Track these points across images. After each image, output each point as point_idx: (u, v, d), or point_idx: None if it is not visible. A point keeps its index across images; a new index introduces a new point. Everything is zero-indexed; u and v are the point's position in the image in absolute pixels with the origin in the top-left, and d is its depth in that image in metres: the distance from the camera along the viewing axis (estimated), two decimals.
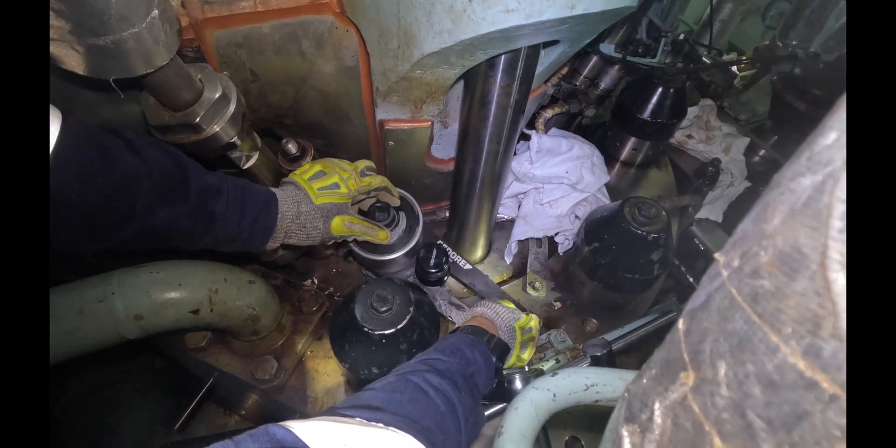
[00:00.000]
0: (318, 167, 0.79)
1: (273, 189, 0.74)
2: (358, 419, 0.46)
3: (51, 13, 0.46)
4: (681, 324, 0.22)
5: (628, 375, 0.50)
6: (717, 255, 0.21)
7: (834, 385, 0.14)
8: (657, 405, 0.21)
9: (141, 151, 0.57)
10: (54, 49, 0.50)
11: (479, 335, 0.77)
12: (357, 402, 0.53)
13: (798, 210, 0.16)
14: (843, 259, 0.14)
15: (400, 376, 0.60)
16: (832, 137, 0.15)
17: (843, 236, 0.14)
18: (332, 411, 0.49)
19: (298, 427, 0.39)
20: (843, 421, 0.13)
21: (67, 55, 0.51)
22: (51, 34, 0.48)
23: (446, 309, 1.00)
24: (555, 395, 0.49)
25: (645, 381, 0.24)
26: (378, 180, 0.85)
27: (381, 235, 0.85)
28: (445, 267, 1.01)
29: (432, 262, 0.99)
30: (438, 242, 1.05)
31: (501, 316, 0.87)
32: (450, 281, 1.12)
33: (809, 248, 0.15)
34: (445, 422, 0.55)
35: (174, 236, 0.62)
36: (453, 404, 0.57)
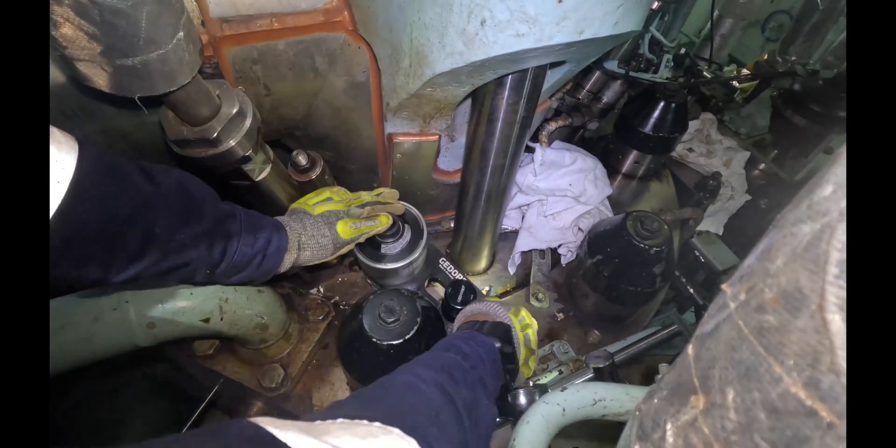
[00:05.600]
0: (310, 194, 0.88)
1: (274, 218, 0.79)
2: (340, 420, 0.42)
3: (83, 36, 0.48)
4: (690, 349, 0.24)
5: (634, 390, 0.51)
6: (724, 287, 0.23)
7: (831, 414, 0.15)
8: (669, 425, 0.22)
9: (155, 177, 0.59)
10: (84, 68, 0.52)
11: (472, 326, 0.75)
12: (337, 406, 0.49)
13: (799, 254, 0.17)
14: (840, 302, 0.16)
15: (388, 376, 0.56)
16: (829, 190, 0.17)
17: (840, 282, 0.16)
18: (310, 417, 0.44)
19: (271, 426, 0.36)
20: (841, 447, 0.15)
21: (96, 74, 0.53)
22: (82, 55, 0.50)
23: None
24: (564, 410, 0.50)
25: (656, 401, 0.26)
26: (367, 196, 0.89)
27: (383, 220, 0.87)
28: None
29: (459, 298, 1.00)
30: (466, 280, 1.05)
31: (493, 307, 0.82)
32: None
33: (809, 289, 0.16)
34: (441, 415, 0.51)
35: (194, 262, 0.64)
36: (450, 397, 0.54)
